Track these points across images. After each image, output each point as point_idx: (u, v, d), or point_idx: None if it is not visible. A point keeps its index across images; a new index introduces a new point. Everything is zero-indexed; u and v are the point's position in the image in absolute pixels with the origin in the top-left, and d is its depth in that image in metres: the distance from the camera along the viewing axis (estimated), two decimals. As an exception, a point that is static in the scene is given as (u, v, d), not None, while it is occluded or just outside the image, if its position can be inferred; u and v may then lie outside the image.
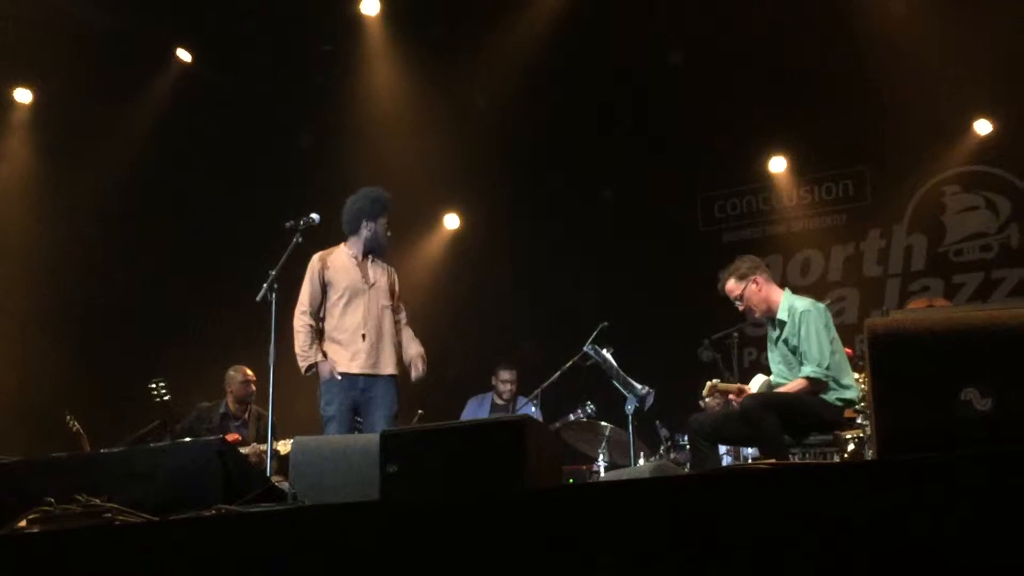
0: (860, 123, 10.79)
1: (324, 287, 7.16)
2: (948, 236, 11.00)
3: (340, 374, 6.97)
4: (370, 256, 7.25)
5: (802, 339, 6.49)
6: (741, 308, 6.82)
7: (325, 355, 7.06)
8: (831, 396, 6.45)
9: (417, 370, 7.15)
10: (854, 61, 10.14)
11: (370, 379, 6.99)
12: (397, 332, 7.26)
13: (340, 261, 7.23)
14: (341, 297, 7.11)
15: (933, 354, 3.16)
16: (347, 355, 7.01)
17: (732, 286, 6.79)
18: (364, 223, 7.21)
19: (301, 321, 7.15)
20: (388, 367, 7.08)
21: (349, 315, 7.08)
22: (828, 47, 10.22)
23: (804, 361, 6.48)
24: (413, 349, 7.23)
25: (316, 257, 7.24)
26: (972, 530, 2.60)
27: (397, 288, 7.37)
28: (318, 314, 7.16)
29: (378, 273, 7.24)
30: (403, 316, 7.38)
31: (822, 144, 11.23)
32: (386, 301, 7.19)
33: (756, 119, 10.80)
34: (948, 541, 2.62)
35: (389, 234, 7.30)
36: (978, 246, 10.82)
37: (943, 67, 9.63)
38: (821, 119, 10.82)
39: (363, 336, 7.03)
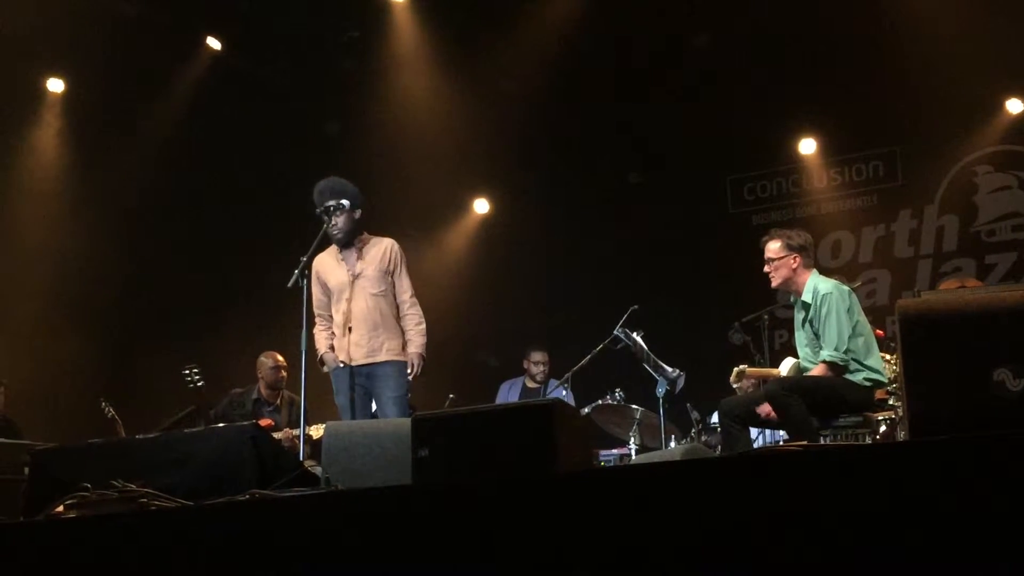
0: (890, 103, 10.72)
1: (326, 288, 7.18)
2: (980, 216, 10.93)
3: (342, 363, 7.00)
4: (355, 247, 7.11)
5: (822, 322, 6.47)
6: (766, 269, 6.78)
7: (333, 348, 7.10)
8: (858, 376, 6.42)
9: (412, 368, 7.01)
10: (884, 41, 10.07)
11: (369, 367, 6.97)
12: (399, 316, 7.12)
13: (327, 260, 7.18)
14: (332, 295, 7.13)
15: (965, 335, 3.14)
16: (343, 348, 7.02)
17: (775, 249, 6.73)
18: None
19: (316, 320, 7.23)
20: (382, 353, 6.97)
21: (338, 311, 7.08)
22: (858, 27, 10.16)
23: (823, 345, 6.47)
24: (412, 348, 7.05)
25: (314, 261, 7.12)
26: (1005, 511, 2.60)
27: (395, 267, 7.12)
28: (328, 312, 7.18)
29: (364, 263, 7.09)
30: (407, 298, 7.14)
31: (852, 125, 11.16)
32: (376, 289, 7.02)
33: (785, 100, 10.76)
34: (981, 522, 2.61)
35: (332, 224, 6.94)
36: (1010, 226, 10.74)
37: (974, 46, 9.55)
38: (851, 100, 10.76)
39: (349, 329, 6.98)
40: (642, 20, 10.54)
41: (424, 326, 7.15)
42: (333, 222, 6.97)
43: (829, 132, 11.46)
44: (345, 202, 6.96)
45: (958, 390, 3.08)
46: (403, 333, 7.09)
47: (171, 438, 4.84)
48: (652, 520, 2.91)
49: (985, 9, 9.51)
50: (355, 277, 7.05)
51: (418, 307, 7.19)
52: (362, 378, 6.97)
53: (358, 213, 7.11)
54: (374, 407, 7.07)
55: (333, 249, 7.18)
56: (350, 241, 7.09)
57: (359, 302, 7.01)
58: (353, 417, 6.89)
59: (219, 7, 10.48)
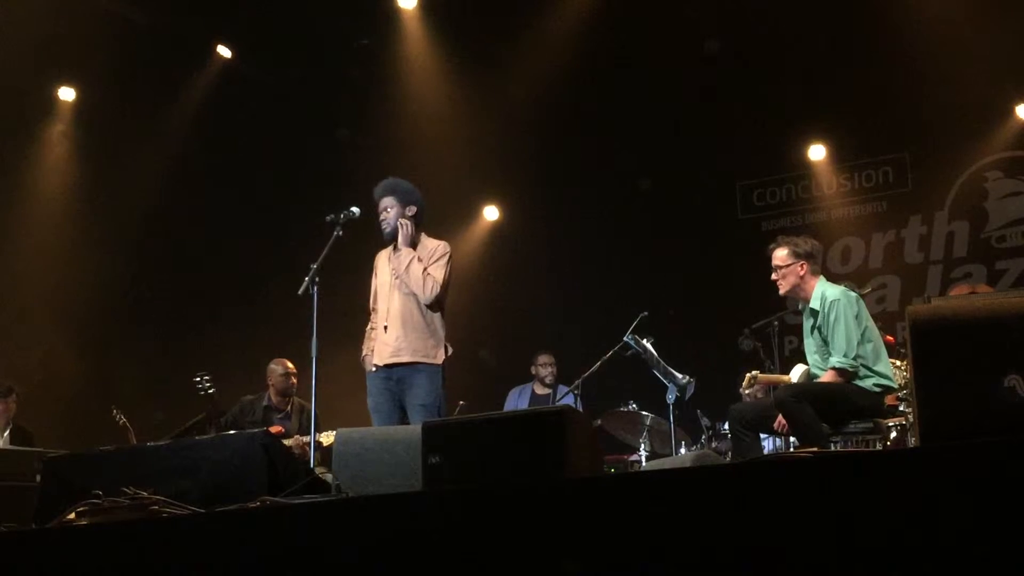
0: (900, 109, 10.72)
1: (378, 283, 7.21)
2: (990, 222, 10.91)
3: (375, 366, 6.98)
4: (406, 247, 7.07)
5: (831, 329, 6.46)
6: (774, 277, 6.77)
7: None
8: (867, 382, 6.41)
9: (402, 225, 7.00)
10: (894, 47, 10.06)
11: (402, 368, 6.89)
12: (430, 320, 7.00)
13: (381, 258, 7.25)
14: (378, 292, 7.16)
15: (975, 341, 3.14)
16: (379, 348, 7.01)
17: (782, 257, 6.72)
18: None
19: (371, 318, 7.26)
20: (407, 354, 6.89)
21: (379, 309, 7.11)
22: (867, 32, 10.15)
23: (831, 352, 6.46)
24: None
25: (376, 256, 7.26)
26: (1016, 517, 2.59)
27: (432, 261, 7.01)
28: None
29: (406, 263, 7.06)
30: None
31: (861, 131, 11.16)
32: (410, 288, 7.00)
33: (794, 106, 10.76)
34: (991, 528, 2.61)
35: (382, 220, 7.06)
36: (1021, 232, 10.72)
37: (984, 52, 9.54)
38: (860, 106, 10.76)
39: (385, 328, 6.97)
40: (651, 26, 10.54)
41: (432, 286, 6.92)
42: (383, 216, 7.06)
43: (839, 138, 11.46)
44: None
45: (969, 396, 3.08)
46: (434, 337, 6.99)
47: (182, 445, 4.85)
48: (662, 527, 2.91)
49: (995, 14, 9.49)
50: (396, 277, 7.04)
51: (436, 286, 6.95)
52: (392, 382, 6.93)
53: (411, 210, 7.09)
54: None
55: (392, 247, 7.17)
56: (401, 238, 7.05)
57: (396, 301, 6.99)
58: (377, 421, 6.87)
59: (229, 16, 10.50)
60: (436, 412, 6.81)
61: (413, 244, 7.07)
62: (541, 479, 3.49)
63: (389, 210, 7.08)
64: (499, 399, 10.38)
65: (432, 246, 7.11)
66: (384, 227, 7.10)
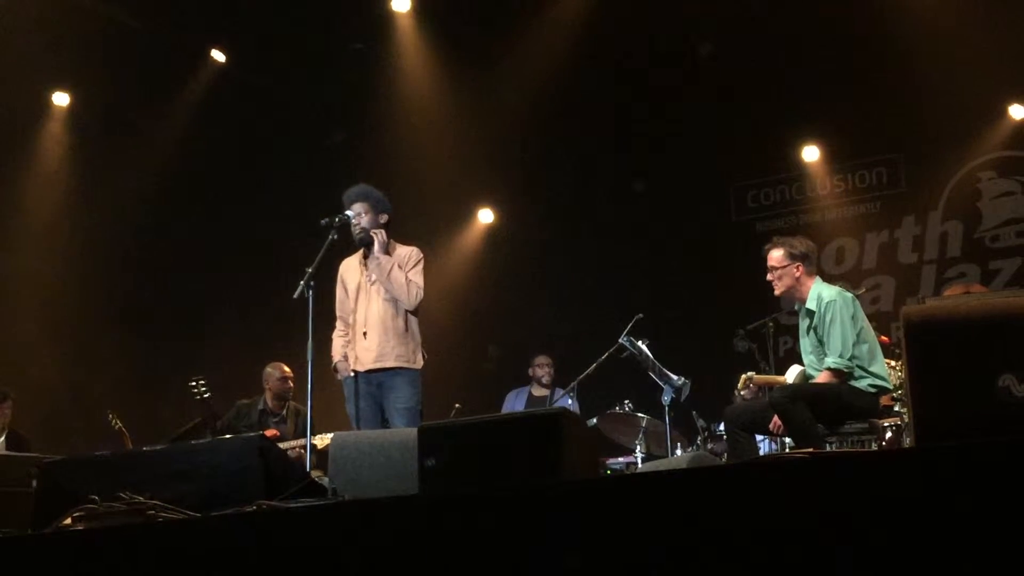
0: (894, 110, 10.73)
1: (346, 290, 7.21)
2: (984, 222, 10.93)
3: (354, 372, 6.99)
4: (383, 255, 7.09)
5: (826, 329, 6.46)
6: (769, 278, 6.77)
7: (347, 357, 7.10)
8: (863, 383, 6.41)
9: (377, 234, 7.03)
10: (887, 48, 10.07)
11: (381, 374, 6.93)
12: (409, 325, 7.06)
13: (351, 263, 7.25)
14: (352, 298, 7.16)
15: (970, 340, 3.14)
16: (357, 354, 7.02)
17: (778, 258, 6.71)
18: None
19: (336, 324, 7.27)
20: (390, 359, 6.94)
21: (355, 315, 7.10)
22: (861, 34, 10.16)
23: (827, 352, 6.46)
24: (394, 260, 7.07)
25: (342, 263, 7.30)
26: (1012, 517, 2.60)
27: (410, 268, 7.06)
28: (347, 317, 7.22)
29: (387, 270, 7.06)
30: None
31: (855, 132, 11.17)
32: (389, 294, 7.02)
33: (788, 108, 10.77)
34: (988, 528, 2.61)
35: (354, 225, 7.05)
36: (1014, 231, 10.74)
37: (977, 53, 9.55)
38: (854, 107, 10.77)
39: (364, 334, 6.99)
40: (645, 29, 10.55)
41: (416, 292, 7.00)
42: (356, 221, 7.06)
43: (832, 139, 11.47)
44: (350, 213, 6.99)
45: (963, 396, 3.08)
46: (413, 341, 7.05)
47: (178, 450, 4.85)
48: (658, 528, 2.91)
49: (988, 15, 9.51)
50: (372, 281, 7.06)
51: (420, 292, 7.04)
52: (372, 387, 6.95)
53: (383, 217, 7.15)
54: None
55: (360, 253, 7.21)
56: (372, 244, 7.08)
57: (374, 306, 7.02)
58: (360, 427, 6.88)
59: (222, 20, 10.49)
60: (418, 415, 6.85)
61: (387, 251, 7.10)
62: (537, 481, 3.49)
63: (362, 215, 7.10)
64: (496, 401, 10.39)
65: (406, 252, 7.16)
66: (357, 232, 7.11)
